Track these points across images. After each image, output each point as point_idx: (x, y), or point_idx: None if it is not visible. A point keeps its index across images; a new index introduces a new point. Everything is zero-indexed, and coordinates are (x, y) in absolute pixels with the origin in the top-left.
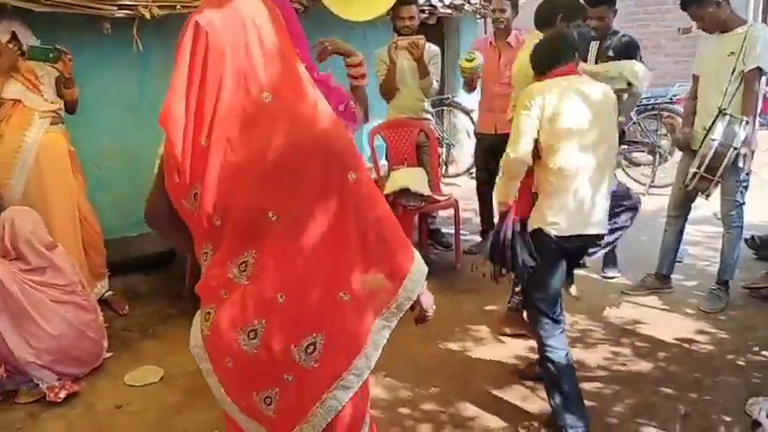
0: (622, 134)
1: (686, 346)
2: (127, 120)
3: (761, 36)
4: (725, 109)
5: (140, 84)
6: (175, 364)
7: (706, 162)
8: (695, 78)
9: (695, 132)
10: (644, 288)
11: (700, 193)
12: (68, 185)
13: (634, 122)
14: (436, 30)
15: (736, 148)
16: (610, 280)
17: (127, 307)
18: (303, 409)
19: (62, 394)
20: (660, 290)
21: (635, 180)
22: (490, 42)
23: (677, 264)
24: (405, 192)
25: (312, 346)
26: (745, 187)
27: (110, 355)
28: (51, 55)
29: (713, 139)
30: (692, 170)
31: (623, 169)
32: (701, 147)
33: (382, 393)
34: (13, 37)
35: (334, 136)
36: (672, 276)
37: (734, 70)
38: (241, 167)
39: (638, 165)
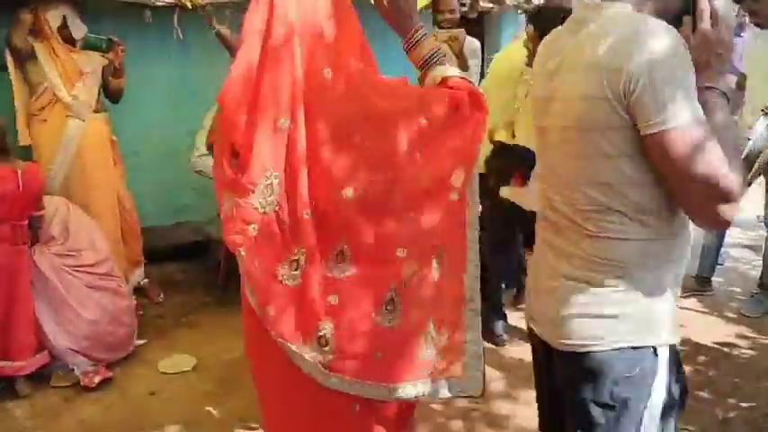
0: None
1: (726, 350)
2: (167, 108)
3: None
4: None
5: (181, 72)
6: (209, 353)
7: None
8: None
9: (739, 130)
10: (683, 290)
11: None
12: (109, 174)
13: None
14: (477, 24)
15: None
16: None
17: (162, 295)
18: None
19: (96, 380)
20: (700, 292)
21: None
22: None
23: (718, 266)
24: None
25: None
26: None
27: (144, 342)
28: (104, 45)
29: (748, 138)
30: None
31: None
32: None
33: None
34: (65, 23)
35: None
36: (713, 279)
37: None
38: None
39: None
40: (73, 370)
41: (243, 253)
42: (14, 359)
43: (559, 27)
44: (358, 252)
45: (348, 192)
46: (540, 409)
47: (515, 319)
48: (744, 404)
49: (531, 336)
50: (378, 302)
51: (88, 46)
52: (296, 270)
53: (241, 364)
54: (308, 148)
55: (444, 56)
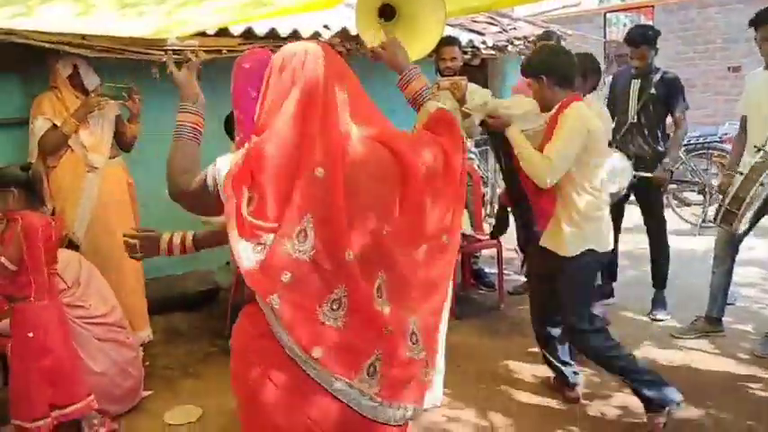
0: (670, 173)
1: (738, 392)
2: None
3: None
4: (764, 145)
5: None
6: (214, 404)
7: (731, 194)
8: (743, 119)
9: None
10: (694, 331)
11: (727, 228)
12: (129, 217)
13: (683, 162)
14: (480, 71)
15: (763, 184)
16: (659, 323)
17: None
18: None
19: None
20: (711, 333)
21: (685, 220)
22: (528, 83)
23: (729, 306)
24: None
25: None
26: None
27: (150, 393)
28: (123, 93)
29: (740, 173)
30: (718, 204)
31: (673, 209)
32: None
33: None
34: (75, 71)
35: None
36: (724, 319)
37: None
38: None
39: (688, 204)
40: (79, 422)
41: (278, 299)
42: (71, 404)
43: None
44: (390, 285)
45: (386, 229)
46: None
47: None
48: None
49: None
50: (405, 335)
51: (107, 95)
52: (338, 309)
53: None
54: (344, 194)
55: (432, 92)
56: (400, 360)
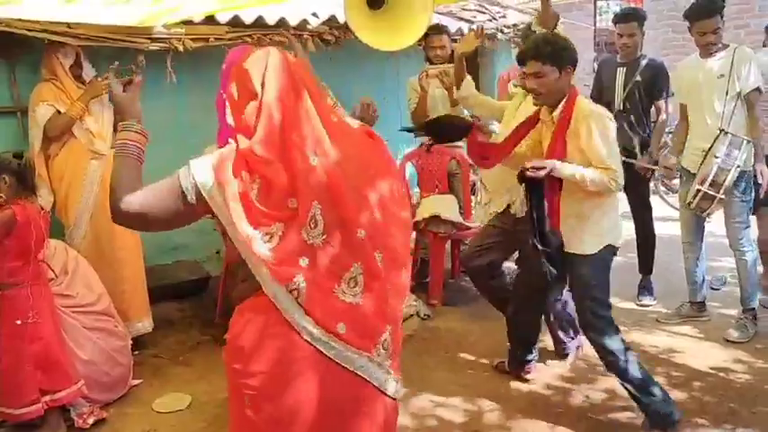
0: (655, 162)
1: (722, 375)
2: (162, 150)
3: (751, 57)
4: (724, 129)
5: (176, 115)
6: (204, 392)
7: (709, 179)
8: (683, 108)
9: (692, 155)
10: (679, 316)
11: (700, 213)
12: None
13: (671, 148)
14: (470, 58)
15: (739, 166)
16: (645, 308)
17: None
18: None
19: (90, 420)
20: (696, 318)
21: (672, 206)
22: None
23: (716, 291)
24: (435, 219)
25: None
26: (750, 209)
27: (139, 381)
28: (125, 75)
29: (716, 156)
30: (696, 187)
31: (661, 196)
32: (700, 167)
33: (408, 421)
34: (78, 61)
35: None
36: (710, 304)
37: (727, 92)
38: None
39: (675, 191)
40: (68, 411)
41: (302, 280)
42: (61, 389)
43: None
44: (385, 264)
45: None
46: None
47: None
48: (740, 430)
49: None
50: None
51: (116, 77)
52: (355, 287)
53: None
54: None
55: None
56: (398, 335)
